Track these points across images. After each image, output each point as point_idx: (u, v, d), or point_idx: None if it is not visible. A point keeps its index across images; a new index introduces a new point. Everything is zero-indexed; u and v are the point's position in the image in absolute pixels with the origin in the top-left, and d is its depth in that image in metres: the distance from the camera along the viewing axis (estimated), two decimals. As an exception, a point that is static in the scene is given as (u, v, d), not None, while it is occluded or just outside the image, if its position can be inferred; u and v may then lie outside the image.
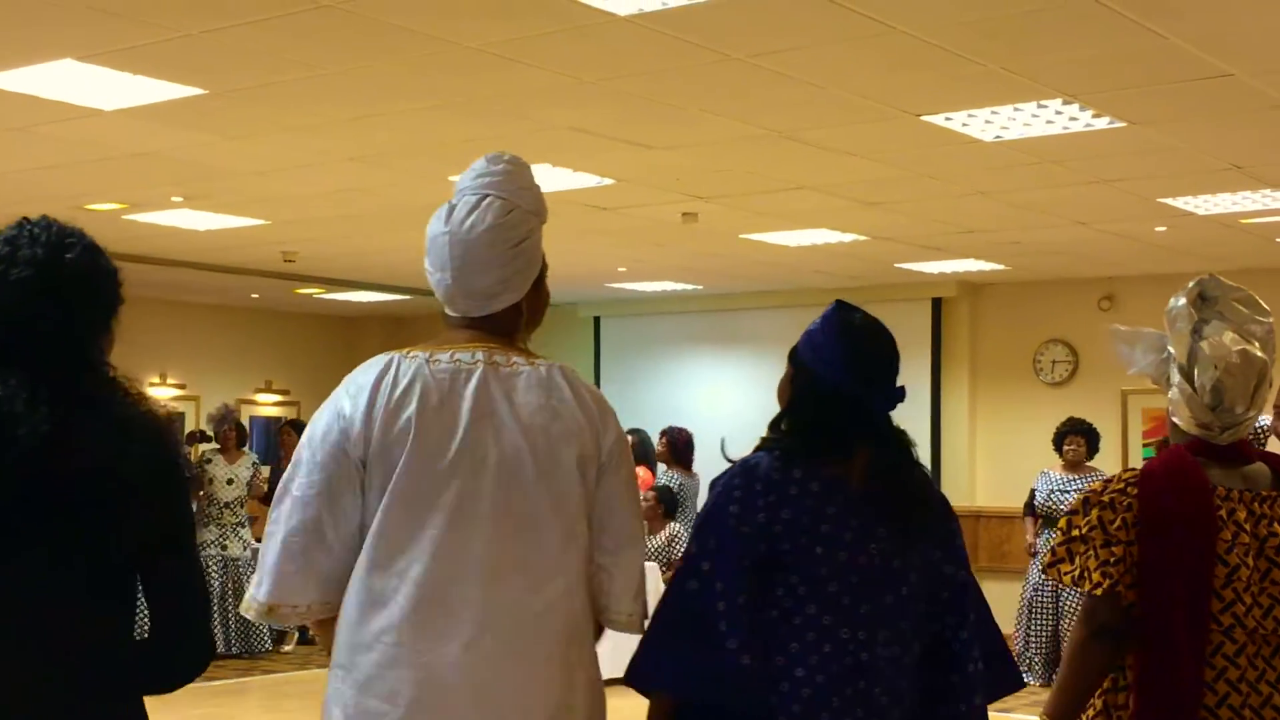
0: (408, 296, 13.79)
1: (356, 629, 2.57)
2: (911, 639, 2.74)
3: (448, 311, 2.78)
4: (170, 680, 2.34)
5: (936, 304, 12.76)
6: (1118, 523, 3.00)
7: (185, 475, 2.35)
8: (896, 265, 11.52)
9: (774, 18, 5.25)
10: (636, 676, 2.71)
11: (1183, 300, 3.12)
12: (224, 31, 5.36)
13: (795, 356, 2.90)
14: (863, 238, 10.17)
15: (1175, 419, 3.13)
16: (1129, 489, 3.02)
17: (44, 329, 2.22)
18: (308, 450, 2.62)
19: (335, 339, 16.02)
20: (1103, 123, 6.66)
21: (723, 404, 12.93)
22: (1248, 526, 3.00)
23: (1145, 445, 11.59)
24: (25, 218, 2.31)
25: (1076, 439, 10.01)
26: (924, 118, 6.61)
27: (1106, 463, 10.45)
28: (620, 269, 12.20)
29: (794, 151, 7.32)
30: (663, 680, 2.70)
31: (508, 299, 2.74)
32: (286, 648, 11.40)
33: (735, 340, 13.71)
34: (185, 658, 2.33)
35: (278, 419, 15.05)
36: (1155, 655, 2.95)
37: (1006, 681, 2.92)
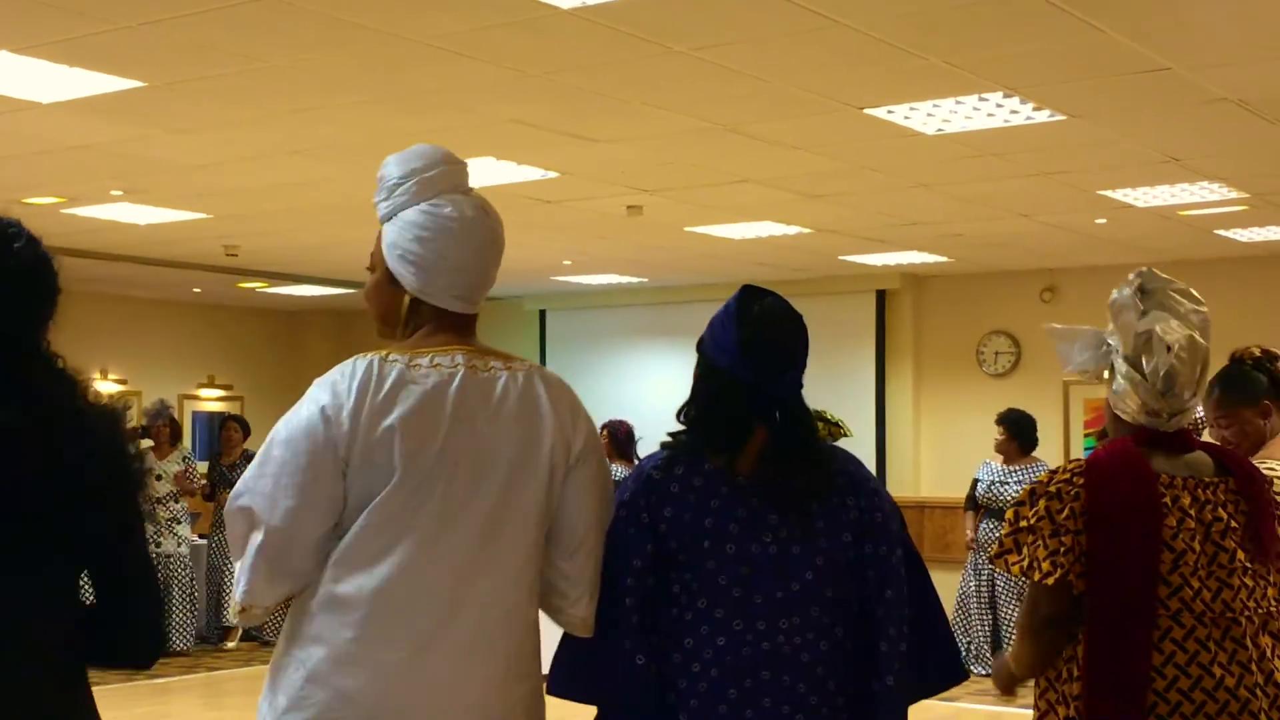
0: (351, 291, 13.71)
1: (318, 623, 2.56)
2: (830, 624, 2.70)
3: (432, 305, 2.72)
4: (123, 665, 2.36)
5: (880, 296, 12.83)
6: (1065, 513, 3.03)
7: (138, 467, 2.34)
8: (840, 258, 11.58)
9: (717, 11, 5.26)
10: (554, 684, 2.74)
11: (1127, 291, 3.18)
12: (163, 23, 5.31)
13: (699, 345, 2.88)
14: (807, 230, 10.21)
15: (1119, 411, 3.17)
16: (1075, 479, 3.06)
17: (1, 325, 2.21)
18: (285, 450, 2.58)
19: (278, 333, 15.91)
20: (1043, 116, 6.72)
21: (669, 397, 12.77)
22: (1192, 512, 3.06)
23: (1086, 436, 11.72)
24: None
25: (999, 428, 10.08)
26: (866, 111, 6.64)
27: (1048, 453, 10.54)
28: (565, 262, 12.19)
29: (738, 144, 7.34)
30: (573, 690, 2.73)
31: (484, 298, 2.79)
32: (230, 644, 11.32)
33: (681, 333, 13.68)
34: (140, 646, 2.34)
35: (220, 414, 14.94)
36: (1103, 643, 2.99)
37: (943, 670, 2.89)
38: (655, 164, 7.85)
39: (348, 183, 8.39)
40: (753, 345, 2.77)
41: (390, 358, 2.64)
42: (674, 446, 2.79)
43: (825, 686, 2.67)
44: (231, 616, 2.77)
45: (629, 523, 2.71)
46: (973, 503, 10.23)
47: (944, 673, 2.90)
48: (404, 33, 5.45)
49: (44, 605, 2.21)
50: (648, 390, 13.52)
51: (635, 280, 13.36)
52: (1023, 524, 3.07)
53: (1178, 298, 3.18)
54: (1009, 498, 9.60)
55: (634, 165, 7.87)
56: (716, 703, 2.62)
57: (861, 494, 2.79)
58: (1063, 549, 3.01)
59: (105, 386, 14.08)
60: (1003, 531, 3.13)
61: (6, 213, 2.33)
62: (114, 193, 8.72)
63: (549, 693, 2.74)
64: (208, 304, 15.20)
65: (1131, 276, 3.20)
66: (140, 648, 2.35)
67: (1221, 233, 10.28)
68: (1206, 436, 4.39)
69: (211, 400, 15.41)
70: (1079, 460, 3.12)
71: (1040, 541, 3.03)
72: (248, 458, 11.10)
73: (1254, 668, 3.02)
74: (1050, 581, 2.99)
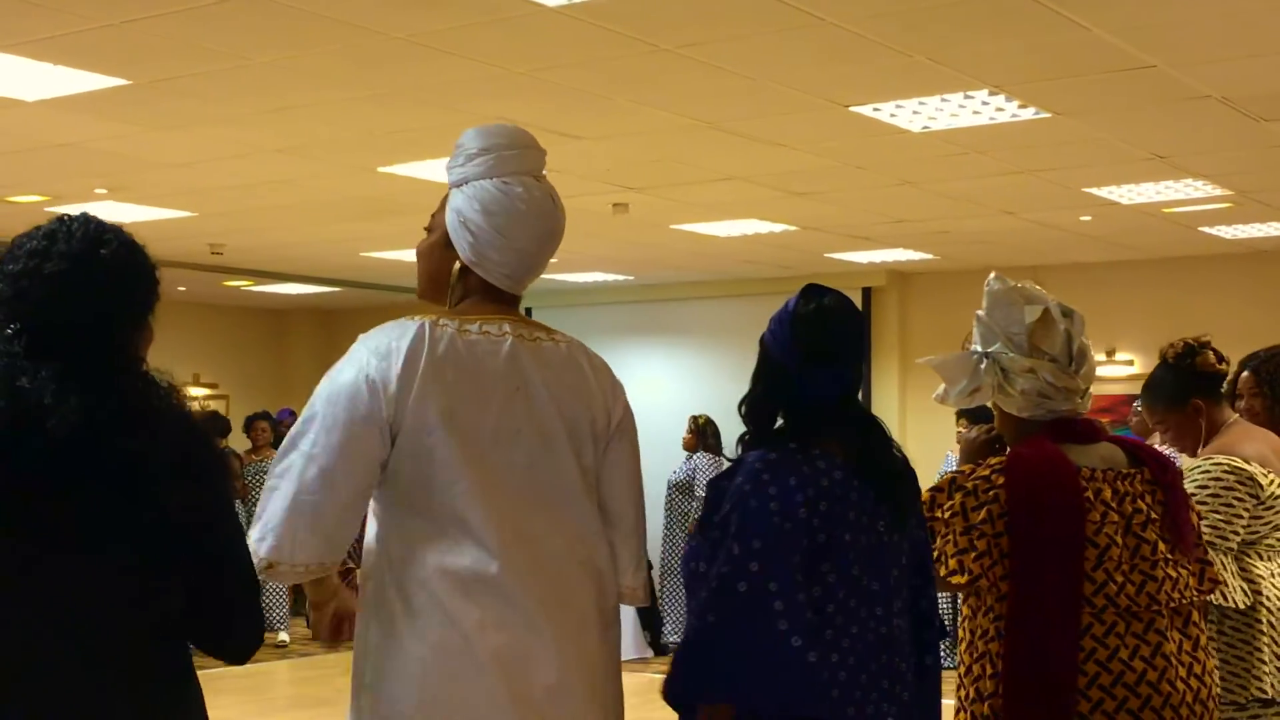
0: (337, 289, 13.70)
1: (420, 599, 2.56)
2: (909, 607, 2.83)
3: (490, 282, 2.75)
4: (224, 658, 2.37)
5: (866, 293, 12.84)
6: (982, 514, 3.02)
7: (218, 463, 2.34)
8: (826, 255, 11.59)
9: (703, 9, 5.26)
10: (690, 691, 2.66)
11: (999, 287, 3.23)
12: (147, 21, 5.29)
13: (761, 341, 2.92)
14: (793, 228, 10.21)
15: (1020, 412, 3.16)
16: (994, 477, 3.05)
17: (77, 323, 2.24)
18: (326, 407, 2.58)
19: (264, 331, 15.88)
20: (1028, 113, 6.73)
21: (656, 394, 12.93)
22: (1114, 504, 3.05)
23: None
24: (64, 215, 2.33)
25: (959, 420, 10.12)
26: (852, 108, 6.65)
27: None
28: (552, 260, 12.15)
29: (724, 142, 7.34)
30: (724, 691, 2.63)
31: None
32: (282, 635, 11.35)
33: (668, 330, 13.74)
34: (236, 637, 2.36)
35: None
36: (1026, 642, 2.97)
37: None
38: (641, 161, 7.85)
39: (333, 181, 8.38)
40: (809, 341, 2.82)
41: (440, 322, 2.66)
42: (783, 441, 2.77)
43: (911, 664, 2.81)
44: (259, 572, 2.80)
45: (784, 516, 2.66)
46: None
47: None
48: (389, 30, 5.44)
49: (117, 593, 2.22)
50: (634, 387, 13.42)
51: (622, 278, 13.36)
52: (937, 513, 3.07)
53: (1037, 289, 3.25)
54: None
55: (620, 163, 7.86)
56: (853, 689, 2.67)
57: (915, 481, 2.91)
58: (974, 552, 3.00)
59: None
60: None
61: None
62: (98, 191, 8.70)
63: (672, 697, 2.70)
64: (193, 302, 15.16)
65: (991, 280, 3.28)
66: (232, 643, 2.36)
67: (1206, 230, 10.30)
68: (1155, 441, 4.42)
69: (197, 399, 15.37)
70: (1000, 458, 3.11)
71: (951, 538, 3.03)
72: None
73: (1175, 660, 3.01)
74: (955, 581, 3.00)
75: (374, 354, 2.60)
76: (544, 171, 2.83)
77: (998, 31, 5.51)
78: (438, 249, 2.79)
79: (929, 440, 12.71)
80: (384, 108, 6.61)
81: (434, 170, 8.01)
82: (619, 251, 11.52)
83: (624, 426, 2.82)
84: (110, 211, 9.35)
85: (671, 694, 2.70)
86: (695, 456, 11.05)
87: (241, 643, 2.37)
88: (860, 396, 2.80)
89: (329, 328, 15.71)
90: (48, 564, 2.18)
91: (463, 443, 2.58)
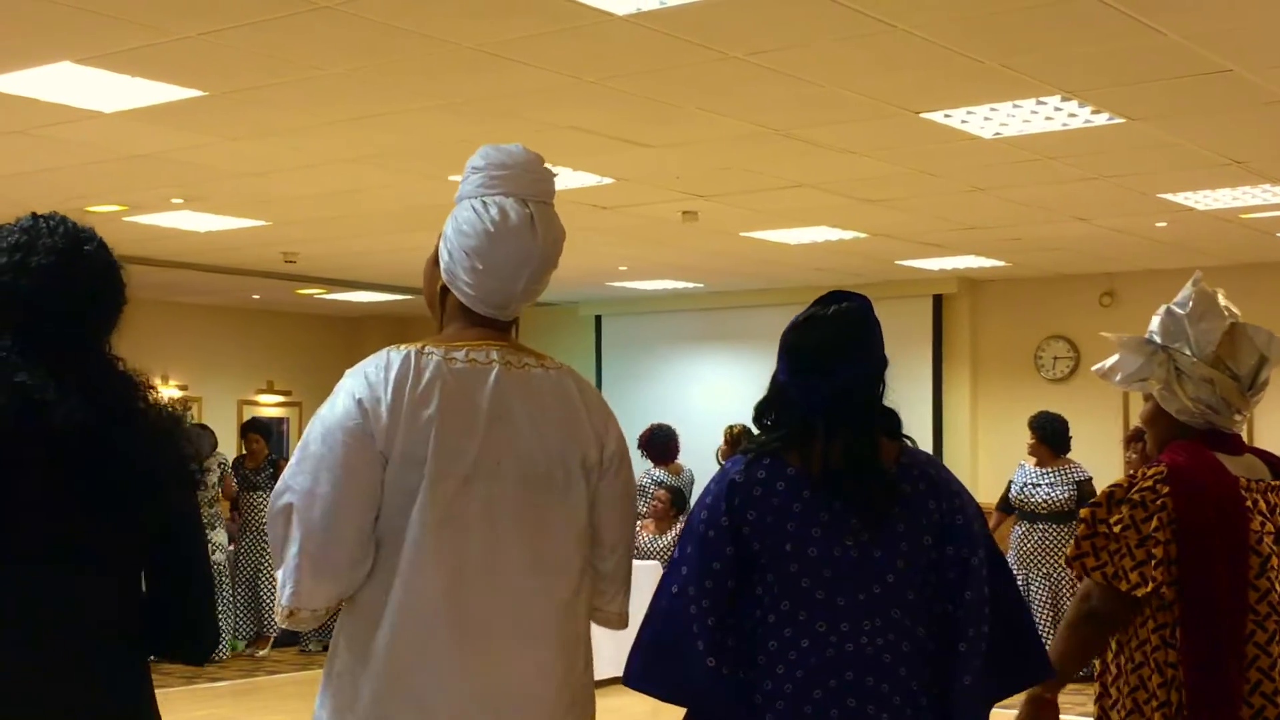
0: (408, 296, 13.79)
1: (381, 632, 2.55)
2: (912, 625, 2.70)
3: (471, 309, 2.71)
4: (186, 660, 2.39)
5: (937, 300, 12.76)
6: (1154, 523, 3.01)
7: (195, 468, 2.37)
8: (897, 262, 11.53)
9: (772, 16, 5.25)
10: (630, 677, 2.74)
11: (1207, 293, 3.18)
12: (222, 33, 5.37)
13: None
14: (863, 235, 10.17)
15: (1181, 415, 3.14)
16: (1159, 487, 3.03)
17: (64, 318, 2.24)
18: (322, 446, 2.55)
19: (336, 339, 16.02)
20: (1102, 119, 6.66)
21: (724, 402, 12.91)
22: (1268, 514, 3.06)
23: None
24: (35, 213, 2.33)
25: (1030, 432, 10.01)
26: (923, 115, 6.61)
27: (1110, 460, 10.43)
28: (621, 268, 12.20)
29: (793, 149, 7.32)
30: (648, 684, 2.72)
31: (529, 304, 2.78)
32: (261, 652, 11.16)
33: (736, 338, 13.71)
34: (193, 642, 2.38)
35: (280, 419, 15.08)
36: (1202, 652, 2.97)
37: (1030, 668, 2.83)
38: (711, 169, 7.85)
39: (404, 189, 8.44)
40: (791, 350, 2.82)
41: (426, 349, 2.64)
42: (754, 450, 2.78)
43: (908, 686, 2.68)
44: (280, 622, 2.80)
45: (709, 525, 2.69)
46: (1005, 504, 10.14)
47: (1031, 671, 2.85)
48: (460, 40, 5.48)
49: (100, 593, 2.24)
50: (702, 395, 13.51)
51: (690, 285, 13.36)
52: (1102, 529, 3.05)
53: (1230, 304, 3.20)
54: (1040, 500, 9.57)
55: (689, 171, 7.87)
56: (801, 704, 2.63)
57: (943, 496, 2.77)
58: (1153, 561, 2.99)
59: (167, 392, 14.21)
60: (1079, 532, 3.11)
61: (71, 218, 2.38)
62: (174, 201, 8.82)
63: (625, 682, 2.74)
64: (267, 310, 15.33)
65: (1197, 279, 3.20)
66: (193, 644, 2.39)
67: (1284, 236, 10.15)
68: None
69: (270, 405, 15.53)
70: (1159, 468, 3.08)
71: (1125, 551, 3.02)
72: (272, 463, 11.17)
73: None
74: (1139, 594, 2.98)
75: (362, 385, 2.59)
76: (542, 199, 2.74)
77: (1070, 37, 5.47)
78: (431, 266, 2.77)
79: (1001, 450, 12.60)
80: (454, 117, 6.65)
81: (504, 179, 8.05)
82: (688, 259, 11.52)
83: (619, 456, 2.76)
84: (186, 220, 9.47)
85: (624, 678, 2.75)
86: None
87: (207, 644, 2.40)
88: (931, 404, 2.80)
89: (401, 335, 15.76)
90: (28, 561, 2.18)
91: (443, 474, 2.55)
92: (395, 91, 6.23)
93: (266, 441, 11.62)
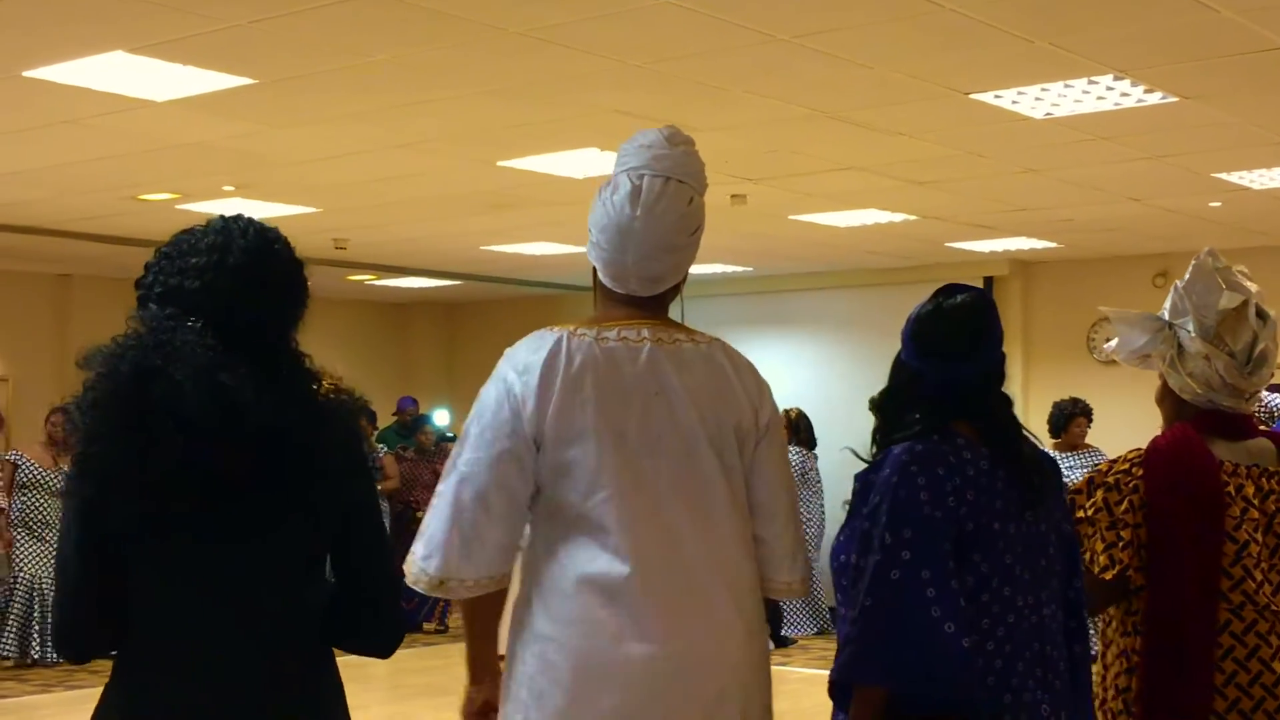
0: (458, 282, 13.84)
1: (565, 603, 2.61)
2: (1059, 594, 2.81)
3: (610, 288, 2.78)
4: (370, 651, 2.43)
5: (988, 283, 12.66)
6: (1124, 505, 2.99)
7: (370, 458, 2.44)
8: (947, 244, 11.46)
9: (820, -3, 5.23)
10: (856, 673, 2.69)
11: (1209, 262, 3.13)
12: (272, 21, 5.40)
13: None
14: (913, 217, 10.12)
15: (1184, 394, 3.10)
16: (1134, 469, 3.02)
17: (257, 316, 2.32)
18: (475, 427, 2.66)
19: (387, 324, 16.10)
20: (1155, 98, 6.60)
21: (774, 385, 12.89)
22: (1255, 501, 3.00)
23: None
24: (224, 215, 2.42)
25: (1082, 420, 10.02)
26: (973, 96, 6.56)
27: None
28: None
29: (842, 132, 7.29)
30: (878, 674, 2.67)
31: (674, 280, 2.81)
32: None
33: (786, 321, 13.67)
34: (378, 635, 2.42)
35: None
36: (1162, 638, 2.94)
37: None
38: (759, 152, 7.83)
39: (453, 175, 8.47)
40: (925, 337, 2.83)
41: (579, 331, 2.69)
42: (920, 433, 2.77)
43: (1064, 652, 2.79)
44: (423, 590, 2.84)
45: (934, 506, 2.68)
46: None
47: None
48: (507, 25, 5.48)
49: (286, 582, 2.31)
50: (753, 379, 13.48)
51: (740, 269, 13.33)
52: (1080, 514, 3.04)
53: (1243, 278, 3.14)
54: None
55: (738, 154, 7.85)
56: (1010, 676, 2.68)
57: (1058, 473, 2.89)
58: (1120, 543, 2.98)
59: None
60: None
61: (124, 210, 2.41)
62: (226, 188, 8.88)
63: (849, 679, 2.72)
64: (317, 297, 15.30)
65: (1203, 255, 3.15)
66: (378, 636, 2.42)
67: (1342, 215, 10.02)
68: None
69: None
70: (1139, 450, 3.07)
71: (1098, 534, 3.01)
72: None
73: None
74: (1108, 577, 2.96)
75: (514, 370, 2.66)
76: (663, 174, 2.78)
77: (1122, 15, 5.41)
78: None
79: (1053, 432, 12.52)
80: (503, 102, 6.66)
81: (553, 163, 8.07)
82: (737, 243, 11.50)
83: (773, 425, 2.83)
84: (238, 208, 9.53)
85: (831, 679, 2.72)
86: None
87: (390, 636, 2.43)
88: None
89: (450, 320, 15.88)
90: (226, 552, 2.25)
91: (603, 452, 2.61)
92: (443, 77, 6.25)
93: None
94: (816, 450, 11.72)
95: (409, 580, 2.68)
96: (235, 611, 2.26)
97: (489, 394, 2.67)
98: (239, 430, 2.19)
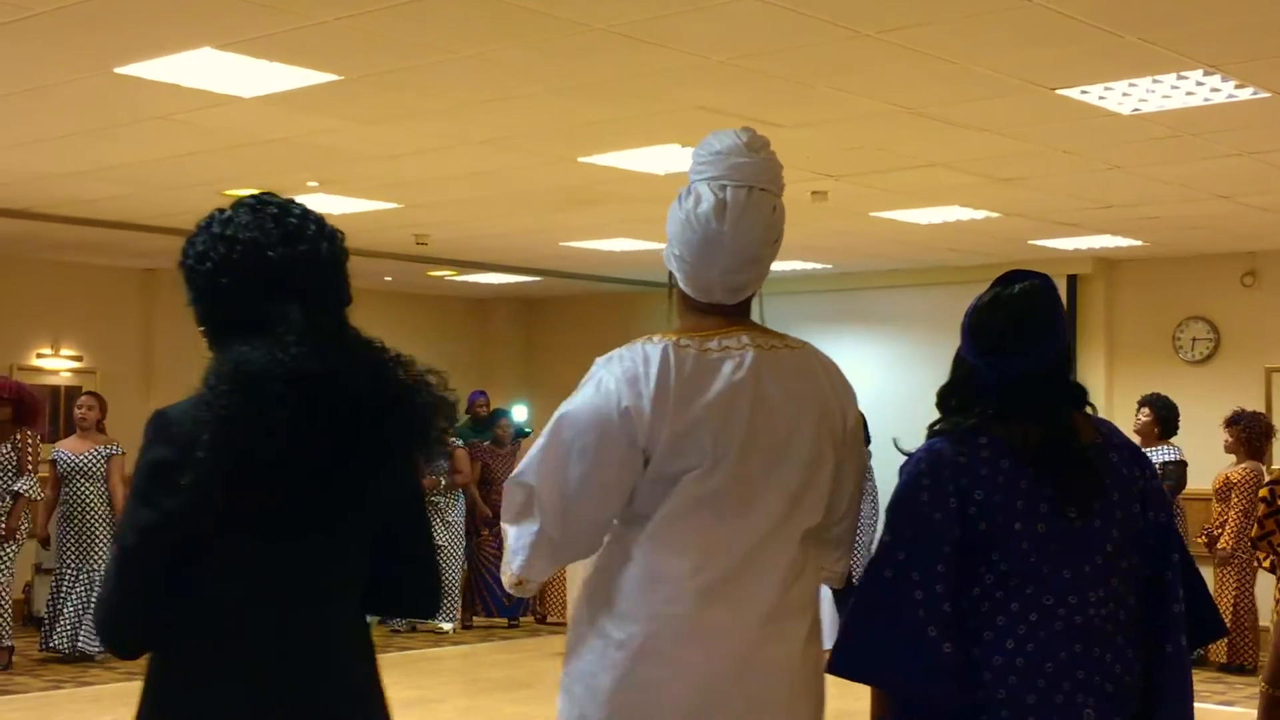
0: (537, 278, 13.90)
1: (630, 600, 2.62)
2: (1125, 594, 2.75)
3: (693, 297, 2.77)
4: (418, 613, 2.52)
5: (1072, 281, 12.52)
6: None
7: (440, 444, 2.45)
8: (1030, 242, 11.34)
9: (905, -8, 5.19)
10: (842, 666, 2.72)
11: None
12: (358, 18, 5.44)
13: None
14: (995, 215, 10.02)
15: None
16: None
17: (332, 300, 2.38)
18: (573, 434, 2.62)
19: (466, 320, 16.20)
20: (1246, 93, 6.48)
21: (853, 384, 12.85)
22: None
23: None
24: (270, 195, 2.45)
25: (1144, 409, 9.87)
26: (1059, 91, 6.49)
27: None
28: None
29: (925, 128, 7.24)
30: (867, 672, 2.71)
31: (757, 287, 2.82)
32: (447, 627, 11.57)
33: (866, 319, 13.60)
34: (424, 600, 2.48)
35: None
36: None
37: (1209, 626, 2.91)
38: (841, 149, 7.79)
39: (534, 171, 8.50)
40: (980, 330, 2.80)
41: (681, 342, 2.68)
42: (954, 429, 2.77)
43: (1125, 654, 2.72)
44: (508, 588, 2.95)
45: (934, 507, 2.68)
46: None
47: (1207, 632, 2.93)
48: (588, 21, 5.49)
49: (347, 565, 2.34)
50: (832, 377, 13.42)
51: (820, 266, 13.27)
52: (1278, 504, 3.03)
53: None
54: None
55: (819, 150, 7.81)
56: (1034, 678, 2.64)
57: (1138, 462, 2.84)
58: None
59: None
60: (1260, 512, 3.09)
61: (210, 205, 2.44)
62: (310, 184, 8.98)
63: (830, 670, 2.75)
64: (399, 292, 15.54)
65: None
66: (425, 601, 2.48)
67: None
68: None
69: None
70: None
71: None
72: None
73: None
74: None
75: (623, 382, 2.63)
76: (747, 183, 2.76)
77: (1213, 9, 5.32)
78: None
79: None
80: (584, 98, 6.68)
81: (633, 160, 8.07)
82: (817, 240, 11.44)
83: (855, 435, 2.83)
84: (321, 203, 9.63)
85: (830, 666, 2.74)
86: None
87: (434, 597, 2.49)
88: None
89: (529, 316, 15.95)
90: (287, 549, 2.27)
91: (708, 462, 2.61)
92: (525, 74, 6.27)
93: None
94: (871, 448, 11.62)
95: (505, 581, 2.73)
96: (294, 607, 2.27)
97: (589, 404, 2.64)
98: (318, 413, 2.19)
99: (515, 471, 2.70)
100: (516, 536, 2.66)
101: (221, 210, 2.39)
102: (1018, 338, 2.77)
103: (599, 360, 2.70)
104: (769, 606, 2.65)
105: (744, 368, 2.67)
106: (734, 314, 2.77)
